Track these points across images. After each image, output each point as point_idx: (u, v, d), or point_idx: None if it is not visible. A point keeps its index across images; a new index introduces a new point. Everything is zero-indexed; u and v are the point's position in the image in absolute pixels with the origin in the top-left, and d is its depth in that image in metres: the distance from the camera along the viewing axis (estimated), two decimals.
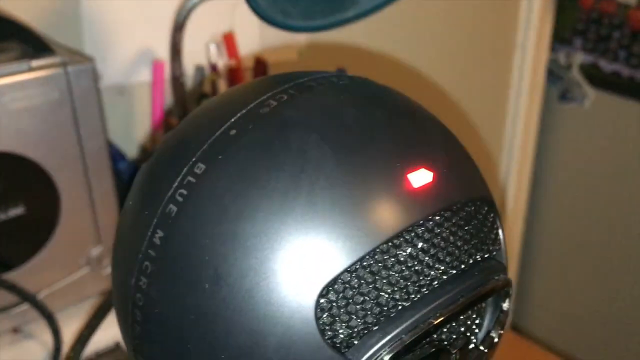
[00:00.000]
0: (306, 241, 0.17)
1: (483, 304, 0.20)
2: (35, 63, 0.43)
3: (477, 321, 0.20)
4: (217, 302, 0.17)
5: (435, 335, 0.18)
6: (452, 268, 0.18)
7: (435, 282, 0.18)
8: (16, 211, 0.44)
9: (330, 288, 0.17)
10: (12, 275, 0.45)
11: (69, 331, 0.47)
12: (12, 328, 0.47)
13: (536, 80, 1.01)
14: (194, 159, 0.18)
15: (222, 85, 0.59)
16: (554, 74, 1.08)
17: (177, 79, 0.58)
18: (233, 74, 0.59)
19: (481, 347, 0.19)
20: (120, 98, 0.60)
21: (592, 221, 1.13)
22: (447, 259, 0.18)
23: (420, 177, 0.18)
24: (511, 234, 1.14)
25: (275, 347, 0.16)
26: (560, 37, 1.06)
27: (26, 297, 0.43)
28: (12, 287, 0.42)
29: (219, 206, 0.17)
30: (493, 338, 0.20)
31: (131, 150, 0.60)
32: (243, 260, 0.17)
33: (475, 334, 0.20)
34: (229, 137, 0.18)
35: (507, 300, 0.20)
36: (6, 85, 0.42)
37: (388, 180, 0.17)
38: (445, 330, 0.19)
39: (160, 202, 0.18)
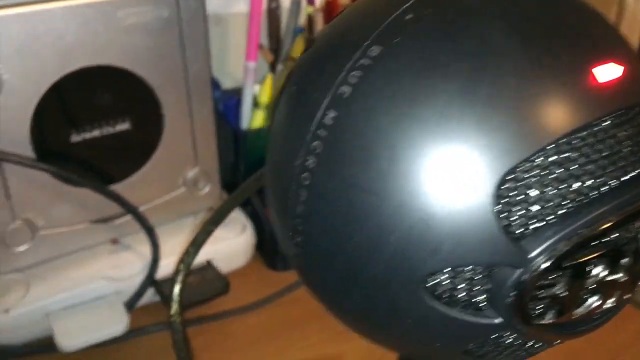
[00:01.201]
0: (491, 125, 0.16)
1: None
2: None
3: None
4: (390, 181, 0.16)
5: (609, 237, 0.18)
6: (633, 169, 0.17)
7: (614, 182, 0.17)
8: (123, 126, 0.46)
9: (511, 176, 0.16)
10: (114, 188, 0.47)
11: (164, 246, 0.48)
12: (111, 239, 0.50)
13: (632, 40, 0.96)
14: (367, 42, 0.18)
15: (319, 19, 0.58)
16: None
17: (273, 11, 0.58)
18: (330, 7, 0.58)
19: None
20: (216, 28, 0.60)
21: None
22: (631, 158, 0.17)
23: (610, 71, 0.17)
24: None
25: (449, 231, 0.16)
26: None
27: (130, 209, 0.45)
28: (117, 198, 0.44)
29: (397, 86, 0.17)
30: None
31: (224, 81, 0.61)
32: (422, 141, 0.16)
33: None
34: (405, 20, 0.18)
35: None
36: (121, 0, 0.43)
37: (577, 72, 0.17)
38: (618, 234, 0.18)
39: (332, 84, 0.18)
